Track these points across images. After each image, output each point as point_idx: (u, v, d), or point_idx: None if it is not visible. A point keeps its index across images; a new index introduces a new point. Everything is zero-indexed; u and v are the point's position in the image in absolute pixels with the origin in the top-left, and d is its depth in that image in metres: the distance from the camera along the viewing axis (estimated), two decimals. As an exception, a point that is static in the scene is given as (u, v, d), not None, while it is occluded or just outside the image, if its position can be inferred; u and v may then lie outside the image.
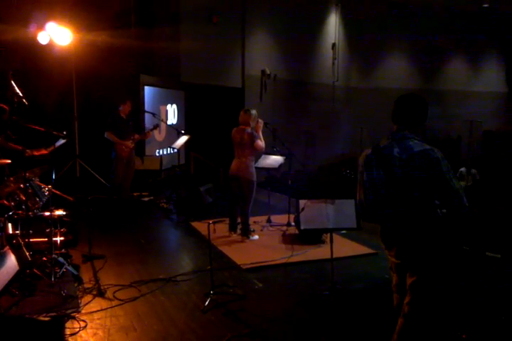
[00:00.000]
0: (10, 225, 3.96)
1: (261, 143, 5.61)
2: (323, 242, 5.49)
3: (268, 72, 11.41)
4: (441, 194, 2.56)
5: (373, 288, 4.29)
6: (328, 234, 5.23)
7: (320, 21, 13.22)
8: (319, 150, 13.03)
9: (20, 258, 2.21)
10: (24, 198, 4.20)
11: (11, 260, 2.25)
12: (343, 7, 13.64)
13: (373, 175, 2.68)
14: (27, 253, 2.27)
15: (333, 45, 13.56)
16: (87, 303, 3.83)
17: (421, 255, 2.60)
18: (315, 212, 3.69)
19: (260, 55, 11.38)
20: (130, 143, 7.22)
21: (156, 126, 7.59)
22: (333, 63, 13.56)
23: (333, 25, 13.56)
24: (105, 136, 7.07)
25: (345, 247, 5.37)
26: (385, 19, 14.20)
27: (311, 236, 5.51)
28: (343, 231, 5.69)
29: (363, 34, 14.22)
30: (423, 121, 2.73)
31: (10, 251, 2.34)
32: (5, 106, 5.25)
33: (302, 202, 3.81)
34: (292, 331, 3.54)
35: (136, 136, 7.34)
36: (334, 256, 3.75)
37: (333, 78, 13.62)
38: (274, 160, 6.59)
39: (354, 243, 5.65)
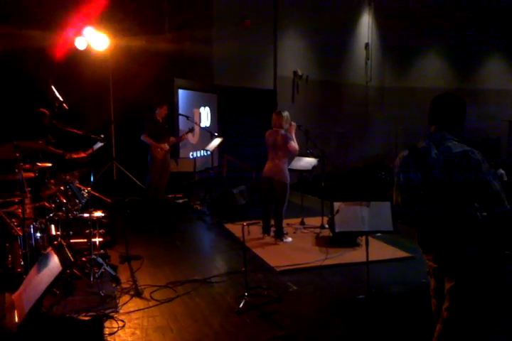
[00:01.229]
0: (53, 226, 4.08)
1: (294, 144, 5.59)
2: (358, 245, 5.43)
3: (300, 73, 11.39)
4: (481, 196, 2.49)
5: (410, 293, 4.21)
6: (363, 237, 5.20)
7: (352, 21, 13.12)
8: (352, 151, 12.91)
9: (62, 259, 2.27)
10: (64, 200, 4.33)
11: (54, 260, 2.32)
12: (376, 7, 13.47)
13: (410, 177, 2.63)
14: (69, 254, 2.34)
15: (366, 45, 13.42)
16: (124, 303, 3.91)
17: (460, 259, 2.53)
18: (350, 214, 3.66)
19: (292, 57, 11.37)
20: (165, 146, 7.33)
21: (191, 129, 7.67)
22: (366, 63, 13.42)
23: (365, 25, 13.43)
24: (141, 138, 7.20)
25: (380, 250, 5.29)
26: (418, 18, 13.94)
27: (346, 239, 5.46)
28: (379, 234, 5.61)
29: (397, 33, 14.01)
30: (461, 122, 2.67)
31: (53, 251, 2.42)
32: (46, 111, 5.43)
33: (336, 205, 3.79)
34: (327, 335, 3.51)
35: (172, 139, 7.45)
36: (370, 259, 3.71)
37: (366, 78, 13.48)
38: (307, 162, 6.56)
39: (390, 246, 5.56)
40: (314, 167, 6.49)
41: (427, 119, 2.72)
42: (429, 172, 2.56)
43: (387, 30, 13.98)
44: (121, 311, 3.76)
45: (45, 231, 4.19)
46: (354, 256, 5.10)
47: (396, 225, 3.54)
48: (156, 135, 7.22)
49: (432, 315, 2.80)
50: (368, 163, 12.91)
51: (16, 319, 2.27)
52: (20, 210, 3.98)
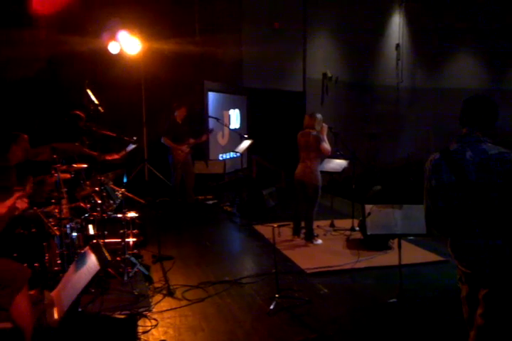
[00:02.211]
0: (91, 226, 4.18)
1: (327, 146, 5.58)
2: (390, 248, 5.37)
3: (329, 74, 11.34)
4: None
5: (443, 297, 4.13)
6: (395, 240, 5.14)
7: (383, 22, 12.98)
8: (382, 153, 12.75)
9: (100, 258, 2.34)
10: (99, 201, 4.43)
11: (92, 259, 2.39)
12: (407, 7, 13.30)
13: (443, 180, 2.58)
14: (106, 253, 2.40)
15: (397, 45, 13.26)
16: (157, 302, 3.97)
17: (496, 265, 2.48)
18: (382, 217, 3.63)
19: (322, 58, 11.33)
20: (185, 148, 7.41)
21: (211, 131, 7.73)
22: (397, 64, 13.25)
23: (396, 25, 13.27)
24: (161, 141, 7.31)
25: (413, 254, 5.21)
26: (450, 17, 13.68)
27: (377, 242, 5.40)
28: (411, 237, 5.53)
29: (428, 33, 13.78)
30: (493, 124, 2.62)
31: (90, 251, 2.49)
32: (81, 114, 5.58)
33: (368, 207, 3.76)
34: (359, 338, 3.49)
35: (191, 141, 7.52)
36: (402, 262, 3.66)
37: (397, 79, 13.31)
38: (338, 164, 6.52)
39: (422, 250, 5.47)
40: (344, 169, 6.45)
41: (459, 121, 2.68)
42: (464, 175, 2.51)
43: (418, 30, 13.77)
44: (154, 310, 3.82)
45: (81, 230, 4.30)
46: (386, 259, 5.05)
47: (429, 228, 3.48)
48: (175, 137, 7.31)
49: (465, 321, 2.75)
50: (398, 165, 12.73)
51: (56, 315, 2.34)
52: (57, 210, 4.09)
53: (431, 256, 5.25)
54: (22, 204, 2.73)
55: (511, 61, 14.61)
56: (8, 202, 2.70)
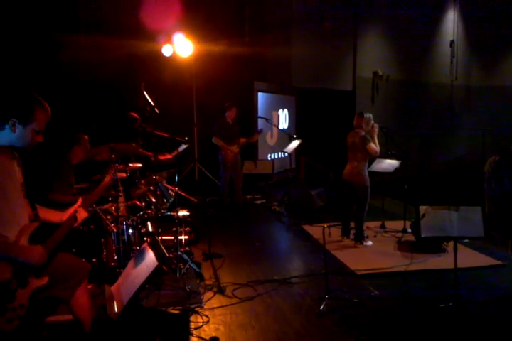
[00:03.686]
0: (149, 223, 4.31)
1: (374, 146, 5.48)
2: (444, 251, 5.21)
3: (380, 73, 11.13)
4: None
5: (501, 302, 3.98)
6: (449, 243, 4.99)
7: (436, 19, 12.61)
8: (435, 154, 12.38)
9: (158, 254, 2.42)
10: (153, 199, 4.57)
11: (150, 255, 2.47)
12: (462, 2, 12.85)
13: (504, 183, 2.51)
14: (164, 250, 2.48)
15: (452, 42, 12.84)
16: (208, 299, 4.05)
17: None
18: (437, 219, 3.54)
19: (372, 56, 11.15)
20: (235, 148, 7.50)
21: (260, 131, 7.79)
22: (452, 61, 12.83)
23: (451, 22, 12.85)
24: (213, 140, 7.44)
25: (468, 257, 5.05)
26: (508, 13, 13.10)
27: (431, 245, 5.26)
28: (466, 241, 5.36)
29: (485, 29, 13.25)
30: None
31: (148, 247, 2.58)
32: (136, 115, 5.76)
33: (423, 209, 3.67)
34: (412, 342, 3.42)
35: (242, 140, 7.60)
36: (457, 266, 3.56)
37: (451, 77, 12.89)
38: (389, 164, 6.40)
39: (478, 253, 5.29)
40: (396, 169, 6.32)
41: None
42: (527, 177, 2.43)
43: (473, 26, 13.27)
44: (205, 307, 3.90)
45: (137, 228, 4.45)
46: (440, 262, 4.91)
47: (487, 231, 3.36)
48: (226, 137, 7.41)
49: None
50: (452, 166, 12.33)
51: (116, 309, 2.44)
52: (114, 208, 4.25)
53: (487, 260, 5.06)
54: (82, 213, 2.76)
55: None
56: (69, 211, 2.77)
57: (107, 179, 2.94)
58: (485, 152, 10.58)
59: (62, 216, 2.75)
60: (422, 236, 3.57)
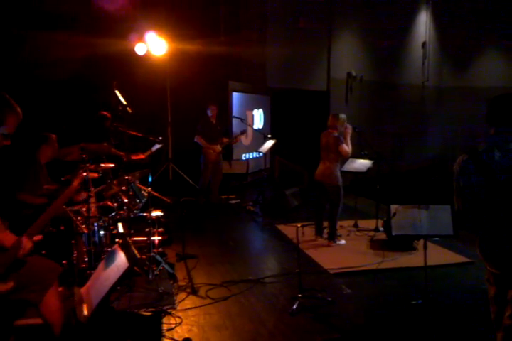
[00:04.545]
0: (120, 224, 4.26)
1: (346, 147, 5.53)
2: (415, 249, 5.31)
3: (354, 74, 11.25)
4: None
5: (468, 299, 4.08)
6: (420, 241, 5.08)
7: (409, 20, 12.82)
8: (408, 153, 12.59)
9: (129, 256, 2.39)
10: (126, 200, 4.52)
11: (121, 257, 2.44)
12: (433, 5, 13.10)
13: (472, 181, 2.56)
14: (135, 251, 2.45)
15: (424, 44, 13.07)
16: (181, 300, 4.02)
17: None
18: (407, 217, 3.60)
19: (346, 57, 11.26)
20: (218, 147, 7.49)
21: (244, 132, 7.80)
22: (423, 63, 13.06)
23: (423, 23, 13.08)
24: (195, 140, 7.40)
25: (438, 255, 5.15)
26: (477, 15, 13.42)
27: (402, 243, 5.35)
28: (436, 238, 5.46)
29: (456, 31, 13.54)
30: None
31: (119, 248, 2.54)
32: (108, 114, 5.69)
33: (394, 207, 3.73)
34: (382, 339, 3.47)
35: (225, 140, 7.60)
36: (427, 264, 3.63)
37: (422, 78, 13.12)
38: (362, 164, 6.48)
39: (448, 251, 5.41)
40: (369, 169, 6.41)
41: (486, 121, 2.64)
42: (493, 176, 2.48)
43: (445, 28, 13.54)
44: (178, 308, 3.87)
45: (108, 229, 4.39)
46: (410, 260, 5.00)
47: (456, 229, 3.44)
48: (209, 136, 7.39)
49: (492, 322, 2.71)
50: (424, 166, 12.56)
51: (85, 312, 2.40)
52: (85, 209, 4.18)
53: (456, 258, 5.18)
54: (25, 244, 2.47)
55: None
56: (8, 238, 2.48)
57: (73, 187, 2.86)
58: (456, 151, 10.82)
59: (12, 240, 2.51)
60: (393, 234, 3.63)
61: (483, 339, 3.23)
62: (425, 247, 3.61)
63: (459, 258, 5.14)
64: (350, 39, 11.38)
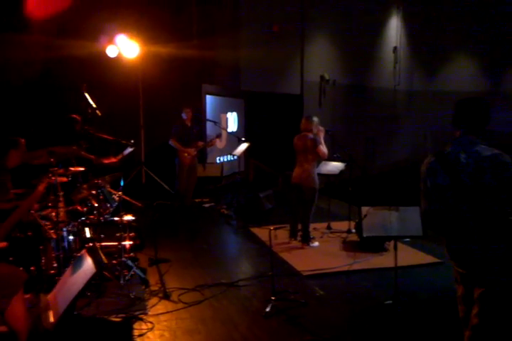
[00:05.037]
0: (87, 229, 4.19)
1: (324, 149, 5.59)
2: (386, 250, 5.38)
3: (327, 77, 11.37)
4: (511, 200, 2.46)
5: (439, 298, 4.15)
6: (391, 242, 5.15)
7: (380, 25, 13.05)
8: (380, 156, 12.78)
9: (96, 261, 2.35)
10: (96, 204, 4.44)
11: (88, 262, 2.40)
12: (404, 10, 13.36)
13: (438, 182, 2.61)
14: (103, 256, 2.41)
15: (395, 48, 13.31)
16: (153, 305, 3.97)
17: (490, 265, 2.50)
18: (378, 219, 3.65)
19: (319, 61, 11.37)
20: (193, 151, 7.44)
21: (219, 135, 7.78)
22: (395, 67, 13.30)
23: (394, 28, 13.33)
24: (169, 142, 7.34)
25: (409, 255, 5.22)
26: (447, 20, 13.75)
27: (373, 244, 5.42)
28: (407, 239, 5.55)
29: (426, 36, 13.85)
30: (486, 125, 2.64)
31: (87, 254, 2.50)
32: (77, 117, 5.59)
33: (364, 209, 3.77)
34: (354, 340, 3.49)
35: (200, 144, 7.55)
36: (398, 264, 3.68)
37: (394, 82, 13.36)
38: (335, 166, 6.54)
39: (418, 251, 5.49)
40: (342, 171, 6.47)
41: (452, 123, 2.70)
42: (459, 177, 2.54)
43: (415, 33, 13.84)
44: (150, 313, 3.82)
45: (78, 234, 4.30)
46: (381, 261, 5.06)
47: (425, 230, 3.50)
48: (183, 139, 7.34)
49: (461, 321, 2.76)
50: (395, 168, 12.76)
51: (51, 319, 2.34)
52: (53, 213, 4.10)
53: (427, 258, 5.26)
54: None
55: (508, 63, 14.67)
56: None
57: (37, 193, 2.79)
58: (426, 154, 11.02)
59: None
60: (364, 235, 3.67)
61: (451, 337, 3.28)
62: (395, 248, 3.66)
63: (429, 259, 5.22)
64: (323, 43, 11.50)
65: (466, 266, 2.59)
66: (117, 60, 7.63)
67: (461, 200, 2.52)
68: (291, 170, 5.90)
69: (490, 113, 2.64)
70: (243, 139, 8.09)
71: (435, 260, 5.15)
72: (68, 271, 2.62)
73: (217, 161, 9.53)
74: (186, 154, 7.37)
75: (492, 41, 14.00)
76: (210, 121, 8.37)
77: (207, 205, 8.26)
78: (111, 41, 7.28)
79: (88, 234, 4.13)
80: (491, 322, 2.54)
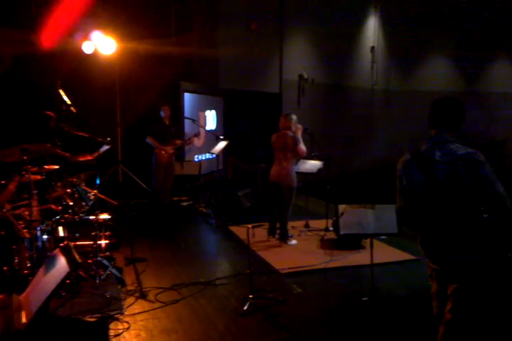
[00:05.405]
0: (60, 228, 4.11)
1: (303, 147, 5.61)
2: (363, 247, 5.43)
3: (306, 76, 11.41)
4: (484, 198, 2.50)
5: (414, 295, 4.21)
6: (368, 240, 5.20)
7: (358, 25, 13.15)
8: (357, 154, 12.90)
9: (70, 260, 2.30)
10: (71, 203, 4.36)
11: (61, 262, 2.35)
12: (382, 10, 13.50)
13: (413, 180, 2.64)
14: (76, 256, 2.37)
15: (372, 48, 13.44)
16: (130, 305, 3.93)
17: (463, 262, 2.54)
18: (354, 217, 3.68)
19: (298, 60, 11.40)
20: (170, 149, 7.37)
21: (198, 134, 7.72)
22: (372, 66, 13.43)
23: (371, 28, 13.45)
24: (146, 140, 7.26)
25: (385, 253, 5.29)
26: (424, 20, 13.95)
27: (350, 242, 5.47)
28: (383, 237, 5.60)
29: (403, 36, 14.03)
30: (461, 124, 2.69)
31: (60, 253, 2.45)
32: (52, 114, 5.48)
33: (341, 207, 3.80)
34: (332, 337, 3.52)
35: (178, 142, 7.49)
36: (374, 261, 3.72)
37: (371, 82, 13.49)
38: (313, 165, 6.57)
39: (394, 249, 5.56)
40: (320, 170, 6.50)
41: (427, 122, 2.74)
42: (434, 175, 2.57)
43: (393, 33, 14.00)
44: (126, 313, 3.78)
45: (52, 233, 4.23)
46: (358, 258, 5.11)
47: (401, 227, 3.55)
48: (161, 137, 7.27)
49: (435, 317, 2.80)
50: (373, 166, 12.90)
51: (24, 319, 2.29)
52: (27, 212, 4.01)
53: (403, 255, 5.33)
54: None
55: (483, 64, 14.98)
56: None
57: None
58: (403, 152, 11.16)
59: None
60: (341, 233, 3.70)
61: (426, 332, 3.33)
62: (372, 246, 3.70)
63: (405, 256, 5.29)
64: (302, 42, 11.54)
65: (441, 262, 2.63)
66: (94, 56, 7.50)
67: (436, 198, 2.56)
68: (269, 168, 5.90)
69: (465, 112, 2.69)
70: (222, 137, 8.06)
71: (411, 257, 5.22)
72: (41, 270, 2.56)
73: (196, 159, 9.47)
74: (163, 152, 7.30)
75: (467, 41, 14.26)
76: (188, 119, 8.30)
77: (185, 204, 8.21)
78: (86, 37, 7.15)
79: (61, 233, 4.05)
80: (464, 317, 2.59)
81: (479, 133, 12.68)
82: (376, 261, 3.83)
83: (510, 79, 15.20)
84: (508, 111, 14.29)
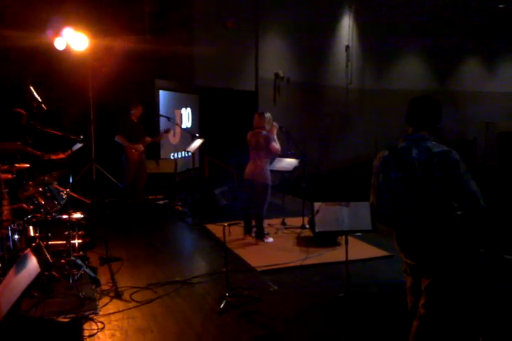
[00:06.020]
0: (31, 228, 4.03)
1: (276, 145, 5.62)
2: (338, 244, 5.49)
3: (281, 74, 11.43)
4: (458, 195, 2.56)
5: (389, 291, 4.27)
6: (343, 237, 5.25)
7: (333, 24, 13.23)
8: (333, 153, 13.00)
9: (41, 261, 2.25)
10: (43, 202, 4.28)
11: (33, 262, 2.30)
12: (356, 9, 13.63)
13: (391, 177, 2.68)
14: (48, 256, 2.32)
15: (347, 47, 13.55)
16: (104, 305, 3.88)
17: (437, 257, 2.59)
18: (330, 214, 3.70)
19: (274, 58, 11.41)
20: (140, 147, 7.27)
21: (167, 130, 7.62)
22: (347, 65, 13.54)
23: (346, 27, 13.56)
24: (115, 139, 7.14)
25: (360, 249, 5.35)
26: (398, 20, 14.14)
27: (326, 239, 5.51)
28: (359, 234, 5.67)
29: (377, 36, 14.19)
30: (437, 123, 2.75)
31: (31, 253, 2.39)
32: (22, 111, 5.35)
33: (317, 205, 3.82)
34: (308, 333, 3.54)
35: (148, 139, 7.39)
36: (349, 258, 3.75)
37: (346, 80, 13.60)
38: (289, 163, 6.60)
39: (369, 245, 5.63)
40: (295, 168, 6.54)
41: (405, 120, 2.79)
42: (410, 172, 2.62)
43: (367, 32, 14.14)
44: (100, 313, 3.74)
45: (23, 233, 4.13)
46: (334, 255, 5.15)
47: (375, 224, 3.59)
48: (130, 135, 7.17)
49: (409, 312, 2.85)
50: (348, 164, 13.02)
51: (-7, 321, 2.23)
52: (-3, 212, 3.91)
53: (377, 252, 5.41)
54: None
55: (456, 62, 15.28)
56: None
57: None
58: (377, 150, 11.31)
59: None
60: (316, 231, 3.72)
61: (400, 327, 3.39)
62: (346, 242, 3.73)
63: (380, 253, 5.37)
64: (277, 40, 11.55)
65: (415, 257, 2.68)
66: (66, 52, 7.35)
67: (412, 194, 2.61)
68: (245, 166, 5.90)
69: (441, 111, 2.74)
70: (197, 135, 8.02)
71: (386, 253, 5.30)
72: (12, 270, 2.50)
73: (171, 157, 9.40)
74: (134, 150, 7.20)
75: (440, 40, 14.51)
76: (163, 116, 8.22)
77: (161, 202, 8.13)
78: (58, 33, 7.00)
79: (32, 233, 3.96)
80: (438, 312, 2.64)
81: (450, 131, 12.95)
82: (351, 257, 3.86)
83: (480, 79, 15.56)
84: (477, 110, 14.62)
